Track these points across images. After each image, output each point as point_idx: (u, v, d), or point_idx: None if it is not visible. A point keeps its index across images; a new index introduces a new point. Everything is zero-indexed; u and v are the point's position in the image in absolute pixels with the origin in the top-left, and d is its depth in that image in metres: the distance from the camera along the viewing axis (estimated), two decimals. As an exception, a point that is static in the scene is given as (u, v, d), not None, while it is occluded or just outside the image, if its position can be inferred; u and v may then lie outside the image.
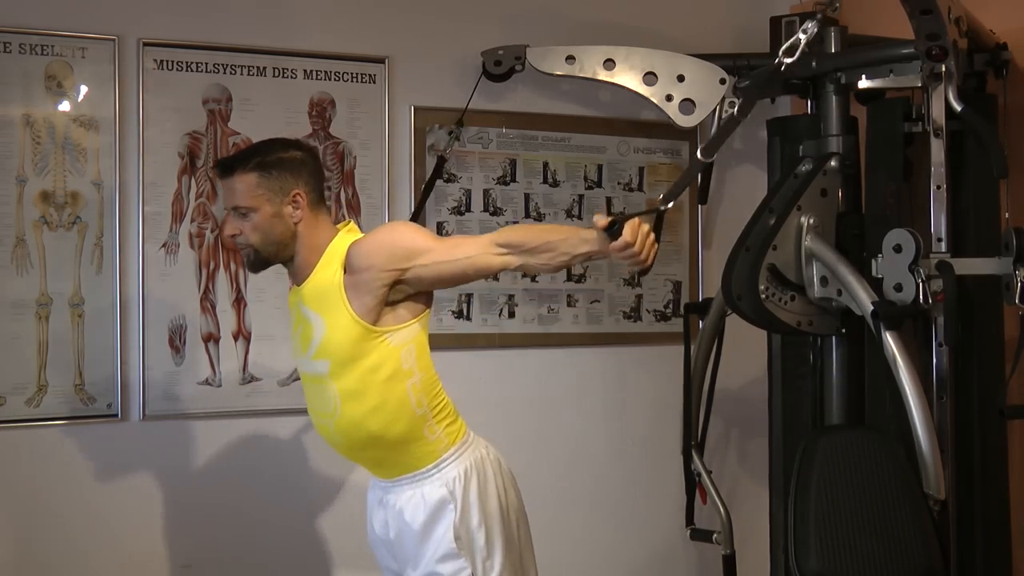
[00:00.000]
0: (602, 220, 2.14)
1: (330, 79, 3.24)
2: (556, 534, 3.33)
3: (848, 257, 2.72)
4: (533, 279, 3.48)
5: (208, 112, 3.10)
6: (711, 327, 3.18)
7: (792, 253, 2.75)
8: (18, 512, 2.93)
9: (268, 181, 2.30)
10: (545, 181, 3.51)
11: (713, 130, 3.28)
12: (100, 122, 2.98)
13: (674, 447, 3.31)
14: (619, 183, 3.61)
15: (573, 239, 2.20)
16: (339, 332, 2.28)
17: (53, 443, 2.95)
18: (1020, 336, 2.67)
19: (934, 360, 2.71)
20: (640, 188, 3.63)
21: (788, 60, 2.44)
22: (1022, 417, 2.87)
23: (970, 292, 2.72)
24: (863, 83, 2.89)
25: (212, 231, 3.10)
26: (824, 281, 2.72)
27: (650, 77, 3.24)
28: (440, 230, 3.36)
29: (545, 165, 3.52)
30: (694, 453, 3.20)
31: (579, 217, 3.54)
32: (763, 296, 2.72)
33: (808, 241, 2.74)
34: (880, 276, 2.67)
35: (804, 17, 3.27)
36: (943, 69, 2.64)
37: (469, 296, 3.40)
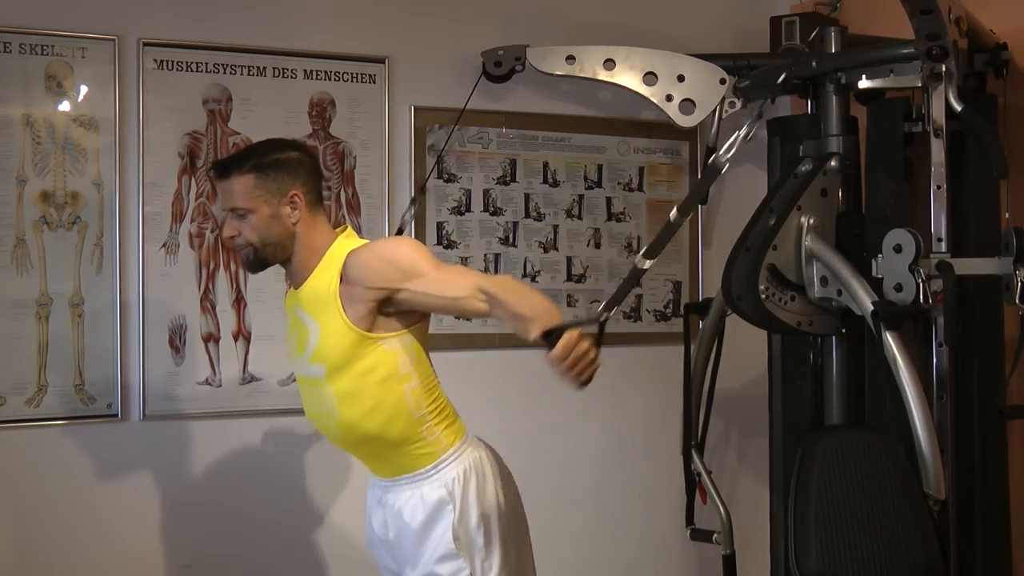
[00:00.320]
0: (537, 330, 2.04)
1: (330, 79, 3.24)
2: (556, 534, 3.33)
3: (848, 257, 2.72)
4: (534, 279, 3.48)
5: (208, 112, 3.10)
6: (711, 327, 3.18)
7: (792, 253, 2.75)
8: (18, 512, 2.93)
9: (265, 182, 2.30)
10: (545, 181, 3.51)
11: (713, 129, 3.29)
12: (100, 122, 2.98)
13: (674, 447, 3.31)
14: (619, 183, 3.61)
15: (535, 324, 2.08)
16: (333, 337, 2.28)
17: (53, 443, 2.95)
18: (1020, 336, 2.66)
19: (934, 360, 2.71)
20: (640, 188, 3.63)
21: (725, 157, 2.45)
22: (1022, 417, 2.87)
23: (970, 292, 2.72)
24: (863, 83, 2.89)
25: (212, 231, 3.10)
26: (824, 281, 2.71)
27: (650, 77, 3.24)
28: (440, 230, 3.36)
29: (545, 165, 3.52)
30: (694, 453, 3.20)
31: (579, 217, 3.54)
32: (763, 296, 2.72)
33: (808, 241, 2.74)
34: (880, 276, 2.67)
35: (804, 17, 3.29)
36: (943, 69, 2.64)
37: (469, 296, 3.40)
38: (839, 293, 2.69)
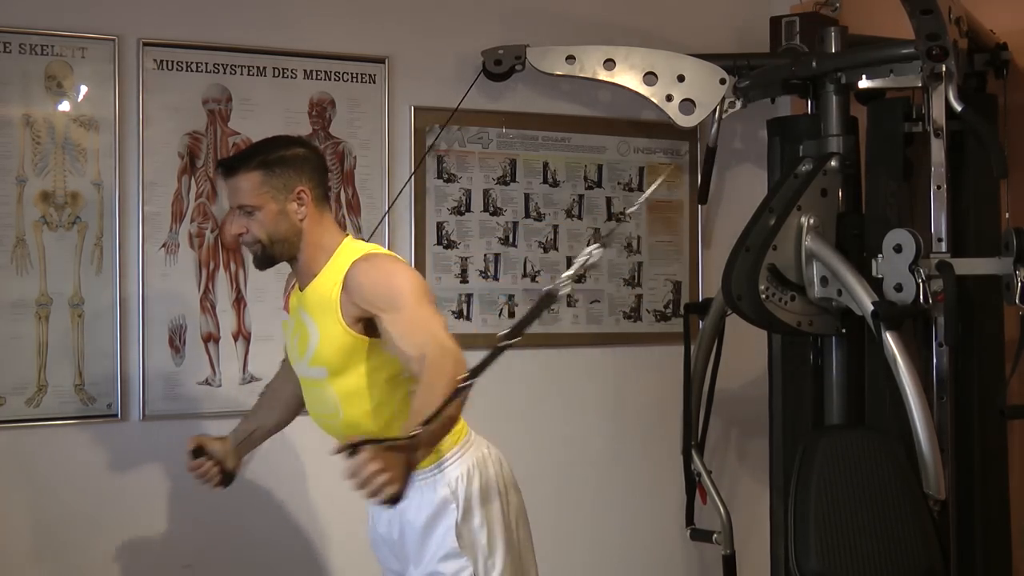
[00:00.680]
0: (339, 446, 2.00)
1: (330, 79, 3.24)
2: (556, 534, 3.33)
3: (848, 257, 2.72)
4: (534, 279, 3.48)
5: (208, 112, 3.10)
6: (711, 327, 3.18)
7: (792, 253, 2.75)
8: (18, 512, 2.93)
9: (272, 179, 2.30)
10: (545, 181, 3.51)
11: (713, 129, 3.29)
12: (100, 122, 2.98)
13: (674, 447, 3.31)
14: (619, 183, 3.61)
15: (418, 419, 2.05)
16: (333, 342, 2.28)
17: (53, 443, 2.95)
18: (1020, 336, 2.67)
19: (934, 360, 2.71)
20: (640, 188, 3.63)
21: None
22: (1022, 417, 2.87)
23: (970, 292, 2.72)
24: (863, 83, 2.89)
25: (212, 231, 3.10)
26: (824, 281, 2.72)
27: (650, 77, 3.24)
28: (440, 230, 3.36)
29: (545, 165, 3.52)
30: (694, 453, 3.20)
31: (579, 217, 3.54)
32: (763, 296, 2.72)
33: (808, 241, 2.74)
34: (880, 276, 2.67)
35: (804, 17, 3.29)
36: (943, 69, 2.64)
37: (469, 296, 3.40)
38: (839, 293, 2.69)
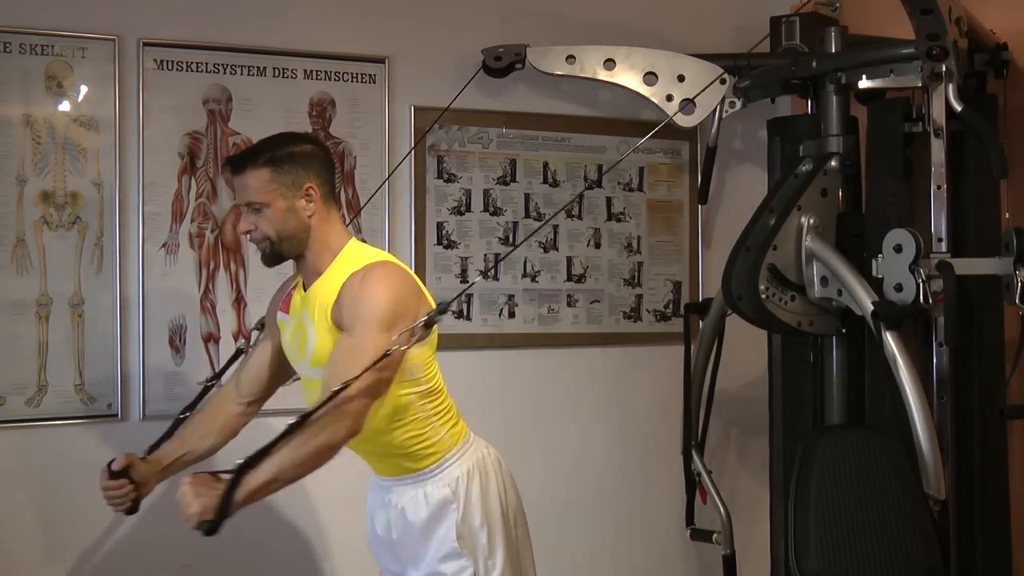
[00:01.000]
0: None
1: (330, 79, 3.24)
2: (556, 534, 3.33)
3: (848, 257, 2.72)
4: (534, 279, 3.48)
5: (208, 112, 3.10)
6: (711, 327, 3.18)
7: (792, 253, 2.75)
8: (18, 512, 2.93)
9: (280, 176, 2.29)
10: (545, 181, 3.51)
11: (713, 129, 3.29)
12: (100, 122, 2.98)
13: (674, 447, 3.31)
14: (619, 183, 3.61)
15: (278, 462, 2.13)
16: (328, 346, 2.28)
17: (53, 443, 2.95)
18: (1020, 336, 2.67)
19: (934, 360, 2.71)
20: (640, 188, 3.63)
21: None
22: (1022, 417, 2.87)
23: (970, 292, 2.72)
24: (863, 83, 2.89)
25: (212, 231, 3.10)
26: (824, 281, 2.72)
27: (650, 77, 3.24)
28: (440, 230, 3.36)
29: (545, 165, 3.52)
30: (694, 453, 3.20)
31: (579, 217, 3.54)
32: (763, 296, 2.72)
33: (808, 241, 2.74)
34: (880, 276, 2.67)
35: (804, 17, 3.29)
36: (943, 69, 2.64)
37: (469, 296, 3.40)
38: (839, 293, 2.69)
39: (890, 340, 2.54)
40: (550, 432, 3.51)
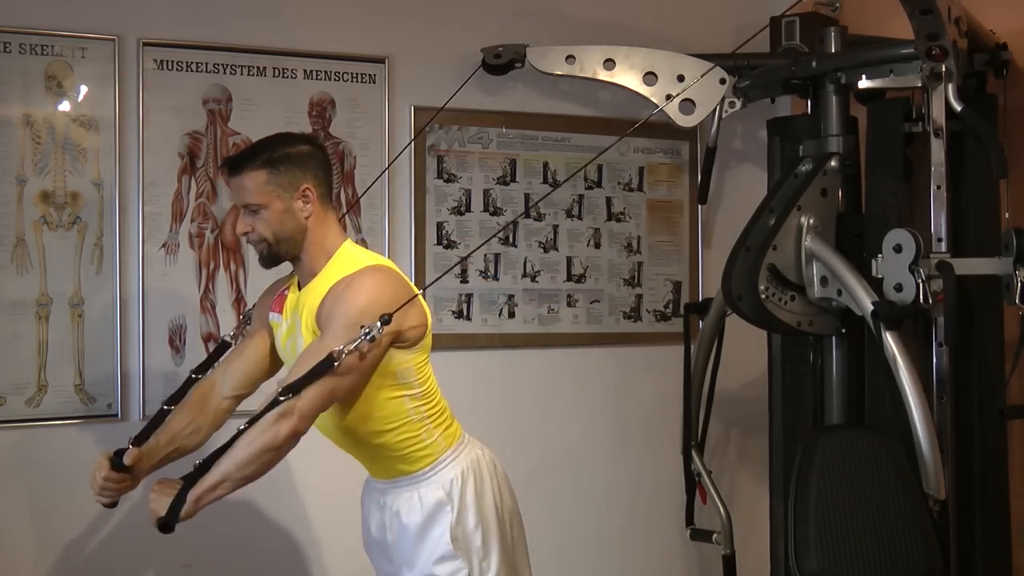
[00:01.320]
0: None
1: (330, 79, 3.24)
2: (556, 534, 3.33)
3: (848, 257, 2.72)
4: (534, 279, 3.48)
5: (208, 112, 3.10)
6: (711, 327, 3.18)
7: (792, 253, 2.75)
8: (18, 512, 2.93)
9: (277, 177, 2.28)
10: (545, 181, 3.51)
11: (713, 129, 3.29)
12: (100, 122, 2.98)
13: (674, 447, 3.31)
14: (619, 183, 3.61)
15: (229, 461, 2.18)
16: None
17: (53, 443, 2.95)
18: (1020, 336, 2.67)
19: (934, 360, 2.71)
20: (640, 188, 3.63)
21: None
22: (1022, 417, 2.87)
23: (970, 292, 2.72)
24: (863, 83, 2.89)
25: (212, 231, 3.10)
26: (824, 281, 2.72)
27: (650, 77, 3.24)
28: (440, 230, 3.36)
29: (545, 165, 3.52)
30: (694, 453, 3.20)
31: (579, 217, 3.54)
32: (763, 296, 2.72)
33: (808, 241, 2.74)
34: (880, 276, 2.67)
35: (804, 17, 3.29)
36: (943, 69, 2.64)
37: (469, 296, 3.40)
38: (839, 293, 2.69)
39: (890, 340, 2.54)
40: (550, 432, 3.51)
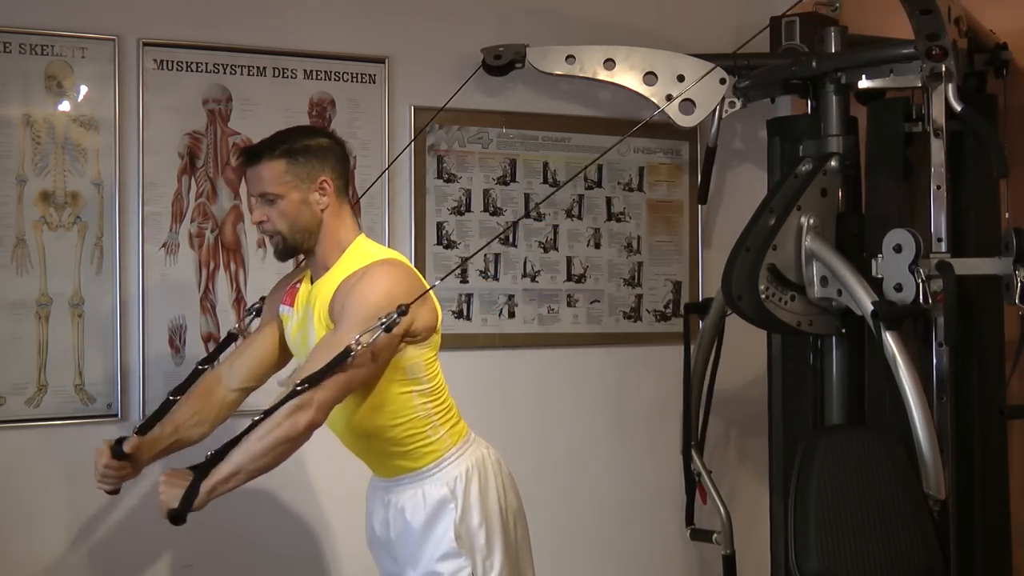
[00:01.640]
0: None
1: (330, 79, 3.24)
2: (556, 534, 3.33)
3: (848, 257, 2.72)
4: (533, 279, 3.48)
5: (208, 112, 3.10)
6: (711, 327, 3.18)
7: (792, 253, 2.75)
8: (18, 512, 2.93)
9: (295, 168, 2.29)
10: (545, 181, 3.51)
11: (713, 129, 3.29)
12: (100, 122, 2.98)
13: (674, 447, 3.31)
14: (619, 183, 3.61)
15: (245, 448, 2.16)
16: None
17: (53, 443, 2.95)
18: (1020, 336, 2.67)
19: (934, 360, 2.71)
20: (640, 188, 3.63)
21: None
22: (1022, 417, 2.87)
23: (970, 292, 2.72)
24: (863, 83, 2.89)
25: (212, 231, 3.10)
26: (824, 281, 2.72)
27: (650, 77, 3.24)
28: (440, 230, 3.36)
29: (545, 165, 3.52)
30: (694, 453, 3.20)
31: (579, 217, 3.54)
32: (763, 296, 2.72)
33: (808, 241, 2.74)
34: (880, 276, 2.67)
35: (804, 17, 3.29)
36: (943, 69, 2.64)
37: (469, 296, 3.41)
38: (839, 293, 2.69)
39: (890, 340, 2.54)
40: (550, 432, 3.51)
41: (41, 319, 2.93)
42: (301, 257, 2.50)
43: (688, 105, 3.21)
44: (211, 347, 3.09)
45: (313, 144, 2.33)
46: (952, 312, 2.57)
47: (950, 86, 2.65)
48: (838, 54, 2.98)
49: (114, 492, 2.40)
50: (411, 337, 2.27)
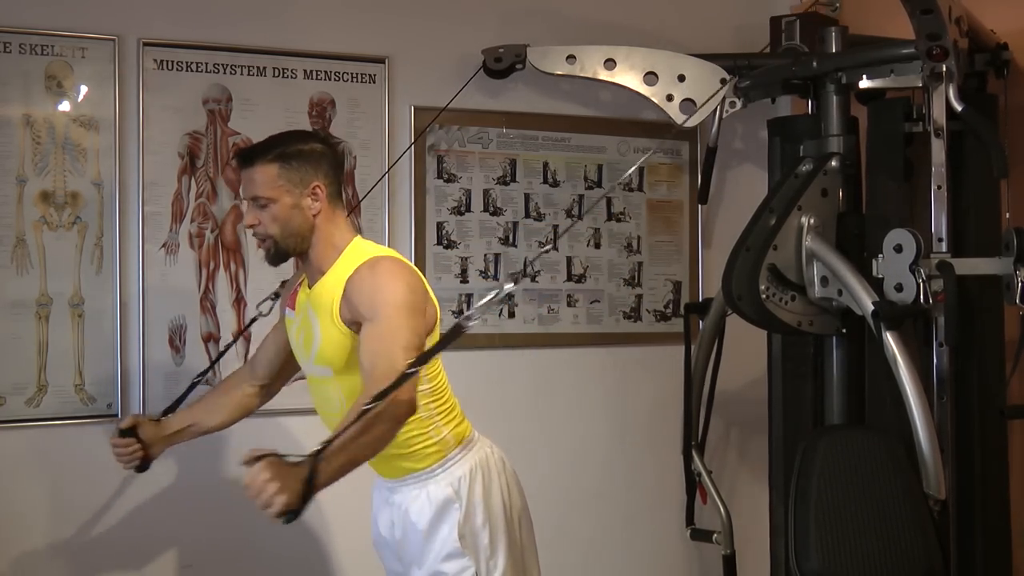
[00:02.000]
0: (247, 457, 1.98)
1: (330, 79, 3.23)
2: (556, 534, 3.33)
3: (848, 257, 2.72)
4: (533, 279, 3.49)
5: (208, 112, 3.10)
6: (711, 327, 3.18)
7: (792, 253, 2.75)
8: (17, 512, 2.93)
9: (288, 172, 2.29)
10: (545, 181, 3.51)
11: (714, 129, 3.28)
12: (100, 122, 2.98)
13: (674, 447, 3.31)
14: (619, 183, 3.60)
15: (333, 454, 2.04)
16: (333, 343, 2.28)
17: (53, 443, 2.95)
18: (1020, 336, 2.67)
19: (934, 360, 2.71)
20: (640, 188, 3.63)
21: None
22: (1022, 417, 2.87)
23: (970, 292, 2.72)
24: (864, 83, 2.89)
25: (212, 231, 3.10)
26: (824, 281, 2.72)
27: (650, 77, 3.24)
28: (440, 230, 3.36)
29: (545, 165, 3.52)
30: (694, 453, 3.20)
31: (579, 217, 3.54)
32: (763, 296, 2.72)
33: (808, 241, 2.74)
34: (880, 276, 2.67)
35: (804, 17, 3.29)
36: (943, 69, 2.64)
37: (469, 296, 3.40)
38: (839, 293, 2.69)
39: (890, 340, 2.54)
40: (550, 432, 3.51)
41: (41, 319, 2.93)
42: None
43: (688, 105, 3.21)
44: (211, 347, 3.10)
45: (307, 149, 2.33)
46: (952, 312, 2.57)
47: (951, 86, 2.65)
48: (838, 54, 2.98)
49: (140, 470, 2.55)
50: None
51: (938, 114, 2.66)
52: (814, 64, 2.95)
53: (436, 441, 2.34)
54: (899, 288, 2.62)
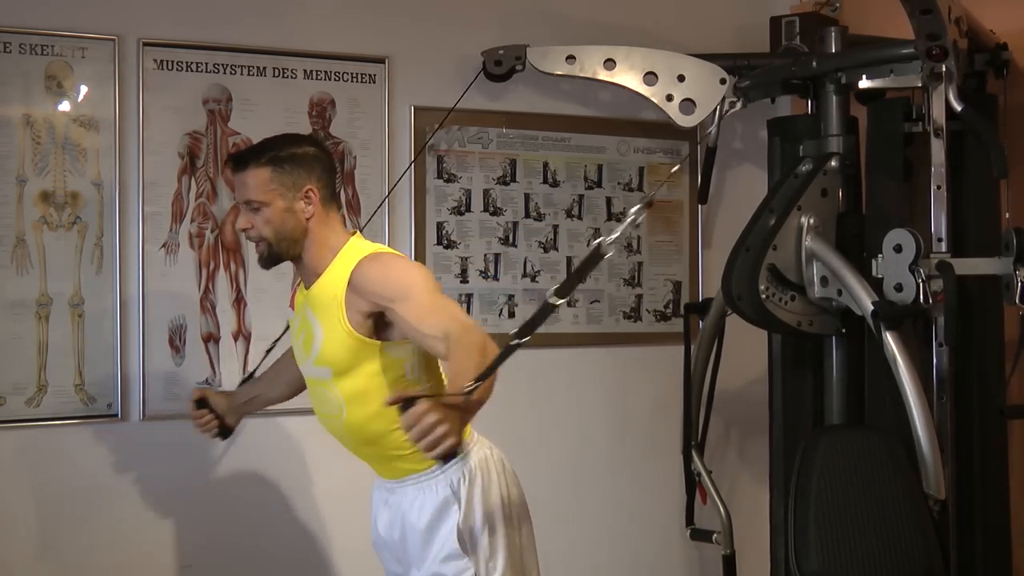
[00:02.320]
0: (393, 397, 1.95)
1: (330, 79, 3.24)
2: (556, 534, 3.32)
3: (848, 257, 2.72)
4: (533, 279, 3.49)
5: (208, 112, 3.10)
6: (711, 327, 3.18)
7: (792, 253, 2.75)
8: (17, 512, 2.93)
9: (281, 176, 2.30)
10: (545, 181, 3.51)
11: (714, 129, 3.29)
12: (100, 122, 2.98)
13: (674, 447, 3.31)
14: (619, 183, 3.61)
15: (459, 383, 2.02)
16: (336, 343, 2.28)
17: (53, 443, 2.95)
18: (1020, 336, 2.67)
19: (934, 360, 2.71)
20: (640, 188, 3.63)
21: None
22: (1022, 417, 2.87)
23: (970, 292, 2.72)
24: (863, 83, 2.89)
25: (212, 231, 3.10)
26: (824, 281, 2.72)
27: (650, 77, 3.24)
28: (440, 230, 3.37)
29: (545, 165, 3.52)
30: (694, 453, 3.20)
31: (579, 217, 3.54)
32: (763, 296, 2.72)
33: (808, 241, 2.74)
34: (880, 276, 2.67)
35: (804, 17, 3.30)
36: (943, 69, 2.64)
37: (469, 296, 3.40)
38: (839, 293, 2.69)
39: (890, 340, 2.54)
40: (550, 432, 3.51)
41: (41, 319, 2.93)
42: None
43: (688, 105, 3.21)
44: (211, 347, 3.11)
45: (299, 152, 2.34)
46: (952, 312, 2.57)
47: (950, 86, 2.65)
48: (838, 54, 2.98)
49: (222, 437, 2.74)
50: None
51: (938, 114, 2.67)
52: (814, 64, 2.95)
53: (436, 442, 2.34)
54: (899, 288, 2.62)
